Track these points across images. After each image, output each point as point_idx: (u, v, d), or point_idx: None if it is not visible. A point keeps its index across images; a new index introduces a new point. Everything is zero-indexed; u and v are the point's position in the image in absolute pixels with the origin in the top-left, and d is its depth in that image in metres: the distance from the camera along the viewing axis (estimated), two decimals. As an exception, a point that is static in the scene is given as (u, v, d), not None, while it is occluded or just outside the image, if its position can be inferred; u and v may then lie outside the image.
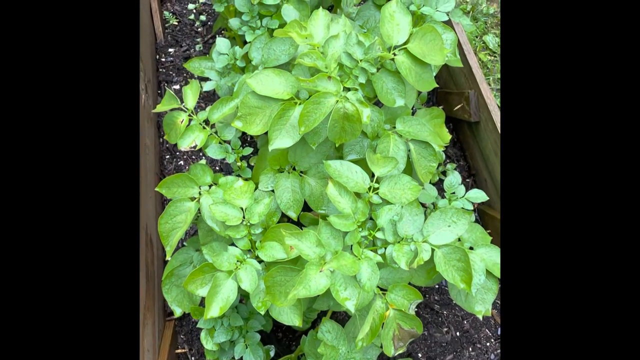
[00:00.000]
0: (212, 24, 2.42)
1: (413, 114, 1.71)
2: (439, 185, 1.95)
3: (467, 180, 1.98)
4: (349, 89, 1.27)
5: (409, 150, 1.37)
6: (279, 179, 1.37)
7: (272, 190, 1.39)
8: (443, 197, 1.43)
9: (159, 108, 1.38)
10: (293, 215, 1.37)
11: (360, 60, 1.27)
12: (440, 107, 2.09)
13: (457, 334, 1.74)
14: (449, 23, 1.81)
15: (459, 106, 1.88)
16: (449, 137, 1.64)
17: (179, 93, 2.19)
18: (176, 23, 2.40)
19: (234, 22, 1.69)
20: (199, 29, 2.41)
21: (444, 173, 1.94)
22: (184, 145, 1.34)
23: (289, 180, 1.38)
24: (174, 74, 2.25)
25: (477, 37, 2.97)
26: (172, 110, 1.40)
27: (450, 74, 1.99)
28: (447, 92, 2.00)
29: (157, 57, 2.31)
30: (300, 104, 1.29)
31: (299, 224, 1.47)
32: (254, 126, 1.30)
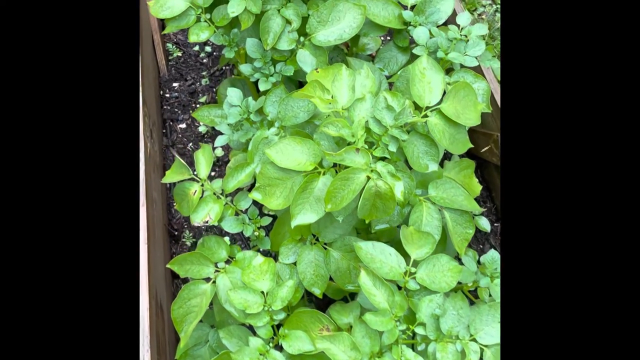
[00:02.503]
0: (218, 55, 2.30)
1: (441, 163, 1.59)
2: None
3: (496, 224, 1.86)
4: (378, 158, 1.15)
5: (443, 218, 1.25)
6: (301, 252, 1.26)
7: (294, 263, 1.28)
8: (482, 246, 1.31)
9: (167, 178, 1.26)
10: (317, 292, 1.25)
11: (390, 127, 1.15)
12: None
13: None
14: (477, 69, 1.69)
15: (487, 148, 1.76)
16: (479, 188, 1.52)
17: (185, 132, 2.07)
18: (180, 54, 2.28)
19: (245, 69, 1.57)
20: (204, 60, 2.28)
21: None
22: (198, 220, 1.22)
23: (312, 252, 1.26)
24: (179, 112, 2.13)
25: (493, 57, 2.84)
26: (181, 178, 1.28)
27: (475, 111, 1.87)
28: (473, 129, 1.88)
29: (161, 92, 2.19)
30: (324, 173, 1.17)
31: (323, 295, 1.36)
32: (274, 199, 1.18)
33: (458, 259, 1.31)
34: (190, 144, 2.05)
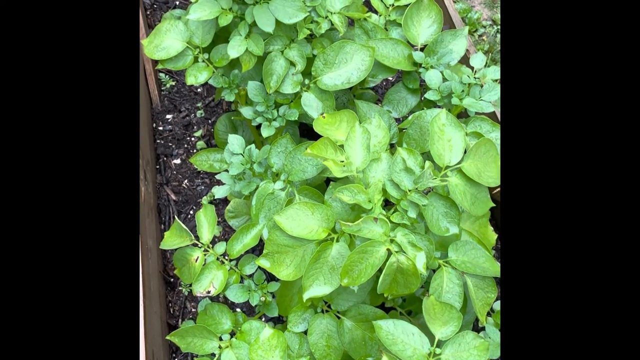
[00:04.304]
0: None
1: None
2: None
3: (507, 267, 1.78)
4: (396, 224, 1.07)
5: (464, 283, 1.17)
6: (313, 321, 1.17)
7: (304, 331, 1.19)
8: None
9: (166, 243, 1.17)
10: (331, 365, 1.16)
11: (410, 191, 1.06)
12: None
13: None
14: (492, 114, 1.61)
15: (498, 190, 1.69)
16: (494, 237, 1.45)
17: (180, 168, 1.97)
18: (173, 84, 2.18)
19: (246, 112, 1.48)
20: (199, 90, 2.18)
21: (482, 261, 1.74)
22: (200, 290, 1.13)
23: (325, 321, 1.17)
24: (173, 146, 2.03)
25: (496, 81, 2.77)
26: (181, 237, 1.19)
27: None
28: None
29: (154, 125, 2.09)
30: (337, 239, 1.09)
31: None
32: (283, 267, 1.09)
33: (478, 324, 1.23)
34: (186, 181, 1.95)
